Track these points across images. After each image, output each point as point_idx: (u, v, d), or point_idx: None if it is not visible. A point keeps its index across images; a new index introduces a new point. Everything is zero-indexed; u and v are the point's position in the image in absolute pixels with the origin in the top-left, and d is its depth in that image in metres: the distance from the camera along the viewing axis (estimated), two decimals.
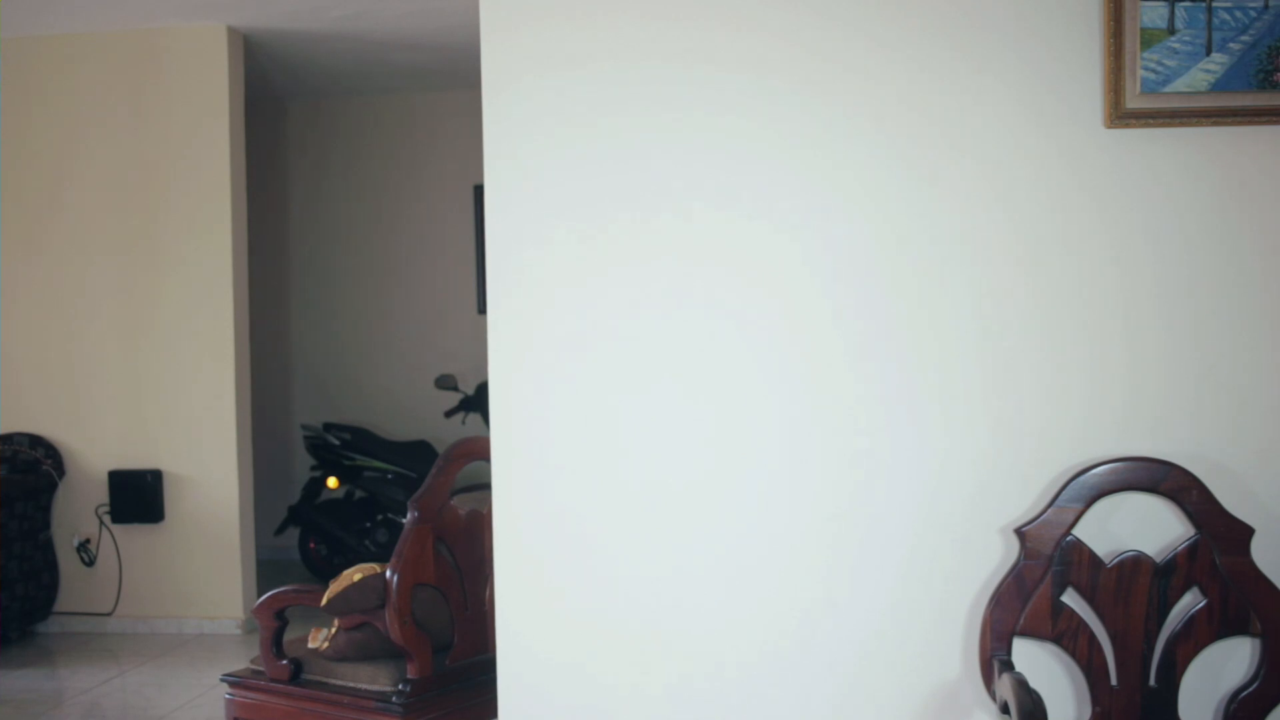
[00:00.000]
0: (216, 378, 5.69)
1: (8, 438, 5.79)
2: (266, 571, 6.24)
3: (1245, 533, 2.08)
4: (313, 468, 6.82)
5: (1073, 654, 2.13)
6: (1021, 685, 1.98)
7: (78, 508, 5.84)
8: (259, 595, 3.81)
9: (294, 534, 6.92)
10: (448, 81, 6.94)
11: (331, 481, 6.69)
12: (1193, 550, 2.09)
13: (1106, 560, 2.12)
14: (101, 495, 5.81)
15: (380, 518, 6.61)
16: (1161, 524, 2.16)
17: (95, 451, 5.82)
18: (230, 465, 5.78)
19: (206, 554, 5.78)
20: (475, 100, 2.39)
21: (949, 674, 2.22)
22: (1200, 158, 2.14)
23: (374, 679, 3.14)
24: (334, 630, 3.18)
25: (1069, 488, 2.12)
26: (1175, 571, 2.10)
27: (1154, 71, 2.11)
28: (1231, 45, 2.10)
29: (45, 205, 5.85)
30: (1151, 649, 2.11)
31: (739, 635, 2.27)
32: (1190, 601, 2.11)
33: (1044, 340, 2.18)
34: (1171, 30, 2.10)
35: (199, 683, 4.89)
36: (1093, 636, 2.12)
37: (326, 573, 6.40)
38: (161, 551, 5.82)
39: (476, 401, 6.59)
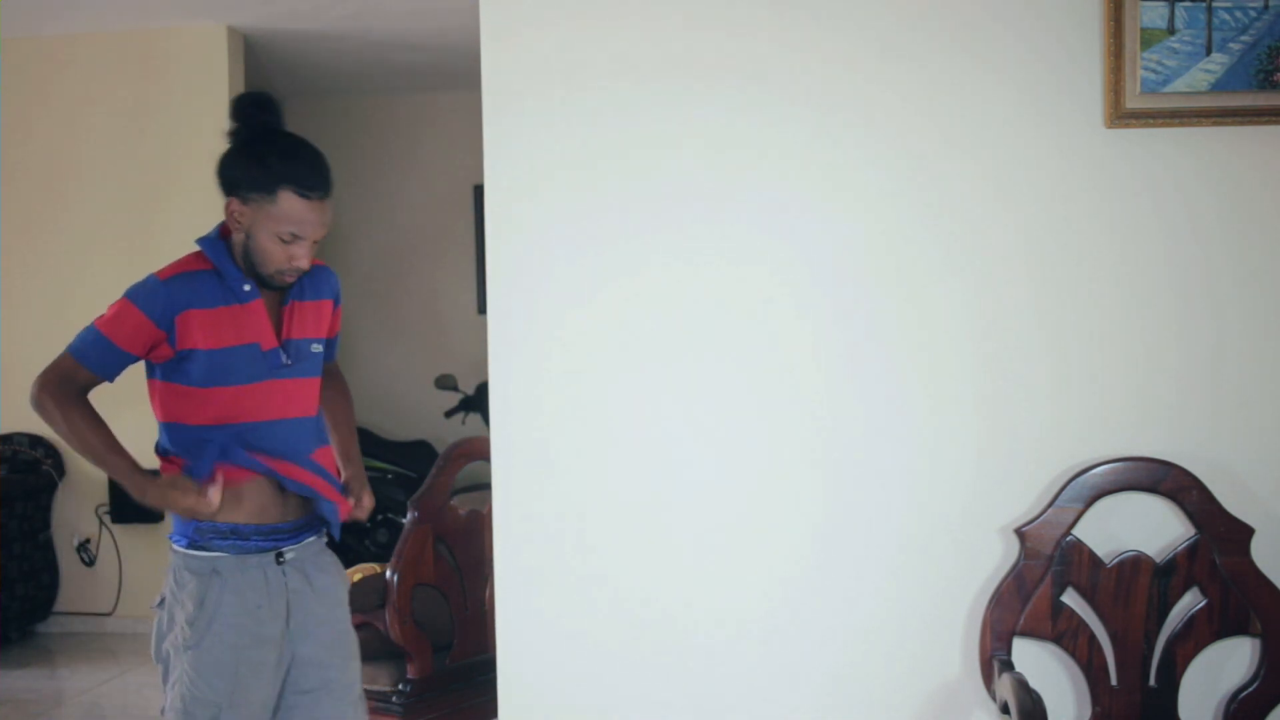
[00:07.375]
0: None
1: (8, 438, 5.78)
2: None
3: (1245, 533, 2.08)
4: None
5: (1073, 654, 2.13)
6: (1021, 685, 1.98)
7: (78, 508, 5.83)
8: None
9: None
10: (448, 81, 6.93)
11: None
12: (1193, 550, 2.09)
13: (1106, 560, 2.12)
14: (101, 495, 5.80)
15: (380, 518, 6.61)
16: (1161, 524, 2.16)
17: None
18: None
19: None
20: (475, 100, 2.39)
21: (949, 674, 2.22)
22: (1200, 158, 2.14)
23: (374, 679, 3.14)
24: None
25: (1069, 488, 2.12)
26: (1175, 572, 2.10)
27: (1154, 71, 2.10)
28: (1231, 45, 2.10)
29: (46, 205, 5.85)
30: (1151, 649, 2.11)
31: (737, 634, 2.26)
32: (1190, 601, 2.11)
33: (1044, 340, 2.18)
34: (1171, 30, 2.10)
35: None
36: (1093, 636, 2.12)
37: None
38: (161, 551, 5.77)
39: (476, 401, 6.59)
